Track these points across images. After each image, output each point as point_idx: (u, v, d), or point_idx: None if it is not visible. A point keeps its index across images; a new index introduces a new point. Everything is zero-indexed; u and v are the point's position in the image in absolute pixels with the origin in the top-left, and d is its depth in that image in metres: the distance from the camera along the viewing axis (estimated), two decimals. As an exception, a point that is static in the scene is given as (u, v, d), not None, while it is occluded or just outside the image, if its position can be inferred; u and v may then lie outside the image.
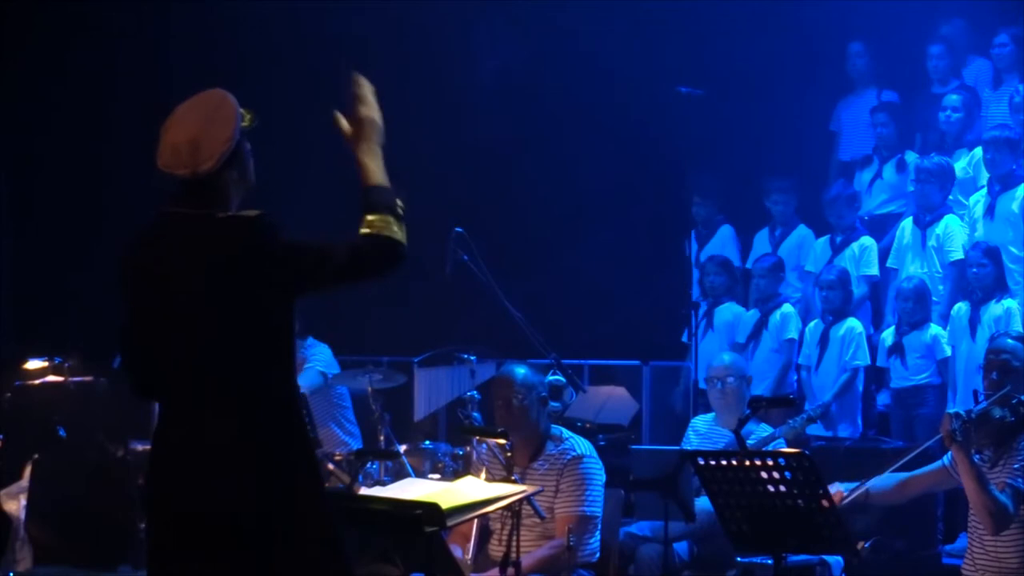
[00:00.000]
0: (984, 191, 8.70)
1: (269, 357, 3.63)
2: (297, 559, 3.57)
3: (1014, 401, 5.13)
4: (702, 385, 8.07)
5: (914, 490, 5.51)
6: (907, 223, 8.91)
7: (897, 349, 8.33)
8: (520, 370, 5.96)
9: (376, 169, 3.81)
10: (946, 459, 5.37)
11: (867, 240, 9.07)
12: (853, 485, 5.37)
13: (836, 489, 5.28)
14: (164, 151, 3.65)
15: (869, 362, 8.53)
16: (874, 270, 9.02)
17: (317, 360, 8.00)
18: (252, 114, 3.75)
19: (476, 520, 5.46)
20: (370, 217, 3.71)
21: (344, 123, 3.89)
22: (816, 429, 8.00)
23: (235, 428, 3.56)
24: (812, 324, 8.73)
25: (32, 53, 10.27)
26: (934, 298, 8.47)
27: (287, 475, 3.59)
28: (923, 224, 8.76)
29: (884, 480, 5.45)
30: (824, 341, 8.56)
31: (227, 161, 3.64)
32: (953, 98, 9.21)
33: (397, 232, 3.71)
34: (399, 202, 3.75)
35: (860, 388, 8.56)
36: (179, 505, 3.59)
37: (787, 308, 8.88)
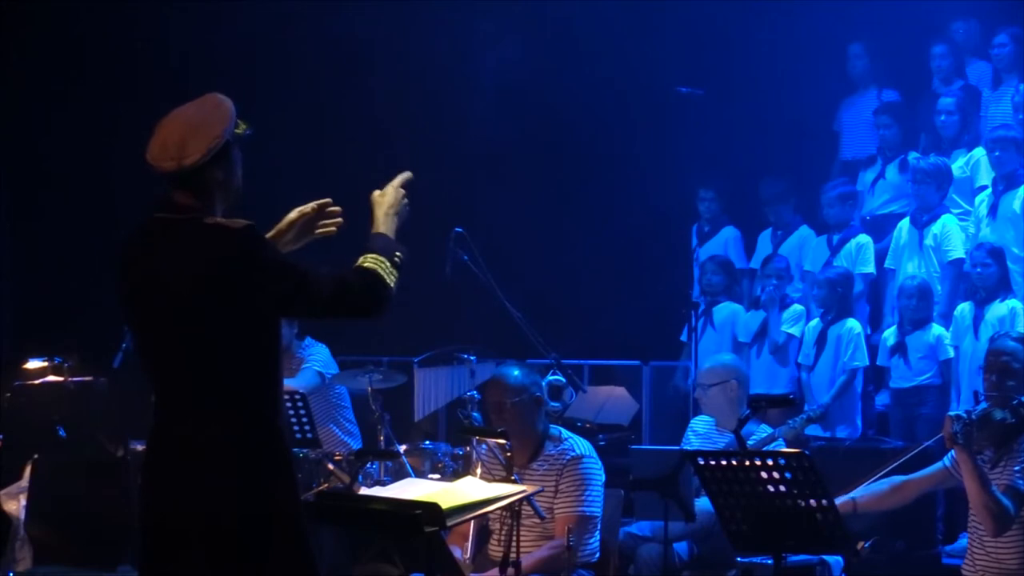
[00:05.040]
0: (989, 191, 8.71)
1: (252, 364, 3.64)
2: (275, 564, 3.59)
3: (1015, 402, 5.13)
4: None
5: (911, 493, 5.50)
6: (904, 223, 8.93)
7: (900, 348, 8.32)
8: (513, 372, 5.94)
9: (384, 222, 3.91)
10: (947, 460, 5.36)
11: (863, 238, 9.08)
12: (840, 500, 5.31)
13: (842, 500, 5.24)
14: (153, 145, 3.67)
15: (868, 363, 8.53)
16: (870, 268, 9.03)
17: (315, 360, 7.99)
18: (247, 124, 3.76)
19: (475, 520, 5.45)
20: (364, 256, 3.77)
21: (375, 195, 3.99)
22: (814, 430, 7.99)
23: (217, 433, 3.59)
24: (812, 324, 8.72)
25: (36, 55, 10.28)
26: (932, 299, 8.46)
27: (267, 481, 3.61)
28: (920, 224, 8.77)
29: (873, 488, 5.42)
30: (821, 341, 8.55)
31: (213, 159, 3.65)
32: (947, 101, 9.23)
33: (388, 276, 3.75)
34: (399, 253, 3.82)
35: (859, 389, 8.55)
36: (164, 506, 3.63)
37: (797, 308, 8.89)
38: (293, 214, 4.07)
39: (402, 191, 3.99)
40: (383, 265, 3.75)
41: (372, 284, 3.72)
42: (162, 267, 3.61)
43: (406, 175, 4.03)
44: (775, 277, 8.90)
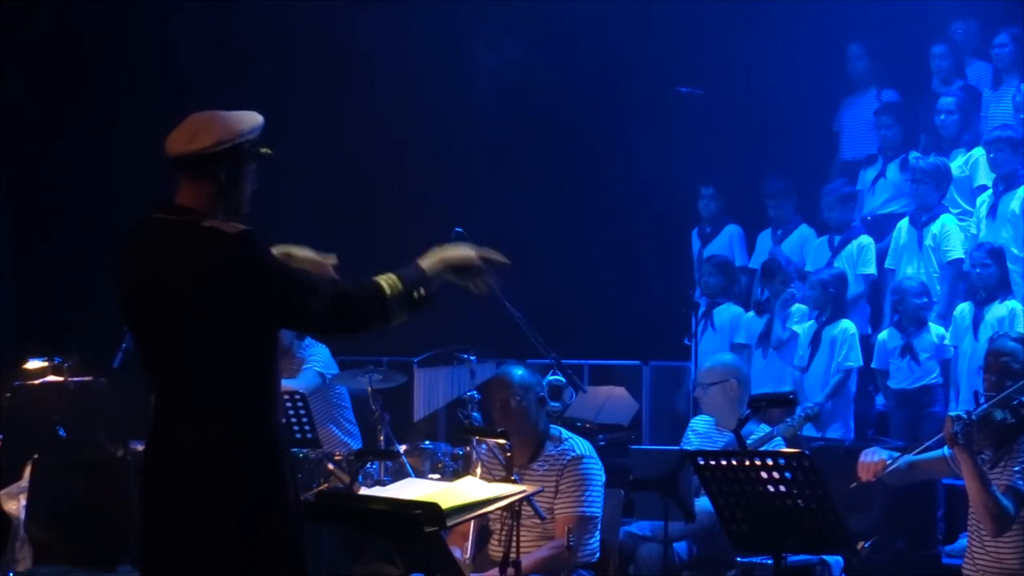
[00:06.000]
0: (990, 192, 8.71)
1: (249, 365, 3.64)
2: (272, 564, 3.60)
3: (1015, 403, 5.12)
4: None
5: (919, 474, 5.47)
6: (903, 224, 8.92)
7: (908, 349, 8.30)
8: (517, 371, 5.95)
9: (433, 262, 3.76)
10: (947, 449, 5.34)
11: (865, 239, 9.06)
12: (894, 453, 5.29)
13: (879, 457, 5.22)
14: (172, 132, 3.69)
15: (862, 363, 8.51)
16: (871, 269, 9.01)
17: (315, 361, 7.98)
18: (270, 148, 3.75)
19: (475, 520, 5.45)
20: (387, 274, 3.68)
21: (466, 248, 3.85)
22: (807, 430, 7.98)
23: (216, 433, 3.59)
24: (806, 325, 8.71)
25: (37, 58, 10.28)
26: (932, 298, 8.47)
27: (264, 482, 3.61)
28: (919, 224, 8.77)
29: (907, 459, 5.39)
30: (816, 341, 8.53)
31: (221, 156, 3.64)
32: (947, 100, 9.23)
33: (395, 303, 3.65)
34: (423, 290, 3.69)
35: (853, 389, 8.53)
36: (163, 506, 3.63)
37: (801, 307, 8.88)
38: (301, 252, 3.97)
39: (479, 259, 3.82)
40: (395, 287, 3.65)
41: (372, 299, 3.63)
42: (159, 268, 3.61)
43: (501, 260, 3.85)
44: (789, 283, 8.86)
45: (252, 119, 3.72)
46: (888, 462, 5.20)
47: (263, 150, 3.74)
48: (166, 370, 3.66)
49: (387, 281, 3.67)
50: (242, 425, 3.61)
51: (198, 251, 3.58)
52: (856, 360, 8.45)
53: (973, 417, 5.00)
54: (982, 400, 5.20)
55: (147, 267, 3.64)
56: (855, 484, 5.19)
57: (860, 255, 9.01)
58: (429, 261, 3.77)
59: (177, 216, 3.65)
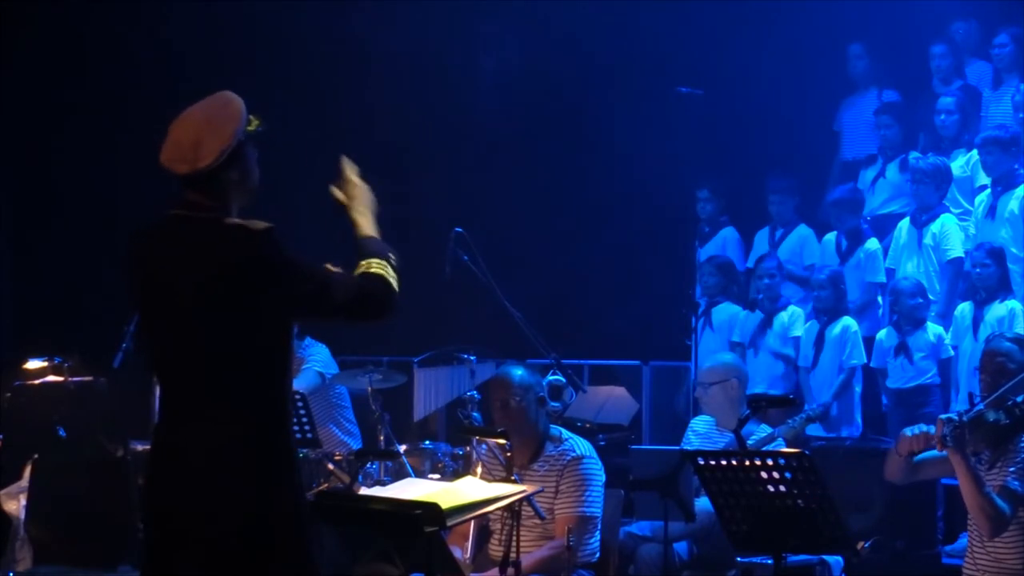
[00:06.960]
0: (988, 192, 8.71)
1: (263, 365, 3.64)
2: (277, 566, 3.59)
3: (1009, 403, 5.10)
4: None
5: (924, 473, 5.43)
6: (904, 223, 8.93)
7: (903, 349, 8.31)
8: (517, 371, 5.95)
9: (368, 224, 3.93)
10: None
11: (872, 244, 9.02)
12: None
13: (923, 430, 5.09)
14: (167, 147, 3.68)
15: (865, 360, 8.52)
16: (881, 277, 8.99)
17: (315, 360, 7.99)
18: (259, 120, 3.76)
19: (475, 520, 5.45)
20: (367, 260, 3.79)
21: (338, 193, 4.03)
22: (816, 429, 7.99)
23: (225, 433, 3.58)
24: (807, 324, 8.71)
25: (38, 56, 10.28)
26: (931, 296, 8.47)
27: (271, 483, 3.61)
28: (919, 224, 8.77)
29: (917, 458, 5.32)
30: (820, 341, 8.54)
31: (227, 160, 3.65)
32: (947, 100, 9.23)
33: (392, 278, 3.78)
34: (392, 255, 3.83)
35: (858, 387, 8.54)
36: (167, 506, 3.63)
37: (794, 309, 8.86)
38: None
39: (362, 182, 3.99)
40: (385, 268, 3.77)
41: (385, 289, 3.75)
42: (181, 266, 3.61)
43: (350, 164, 4.06)
44: (767, 277, 8.88)
45: (238, 109, 3.71)
46: (933, 435, 5.10)
47: (252, 128, 3.74)
48: (180, 368, 3.64)
49: (376, 267, 3.79)
50: (252, 426, 3.60)
51: (223, 249, 3.58)
52: (860, 358, 8.47)
53: (964, 419, 4.98)
54: (976, 401, 5.19)
55: (171, 265, 3.62)
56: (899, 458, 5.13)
57: (868, 263, 8.99)
58: (368, 227, 3.94)
59: (196, 213, 3.65)
